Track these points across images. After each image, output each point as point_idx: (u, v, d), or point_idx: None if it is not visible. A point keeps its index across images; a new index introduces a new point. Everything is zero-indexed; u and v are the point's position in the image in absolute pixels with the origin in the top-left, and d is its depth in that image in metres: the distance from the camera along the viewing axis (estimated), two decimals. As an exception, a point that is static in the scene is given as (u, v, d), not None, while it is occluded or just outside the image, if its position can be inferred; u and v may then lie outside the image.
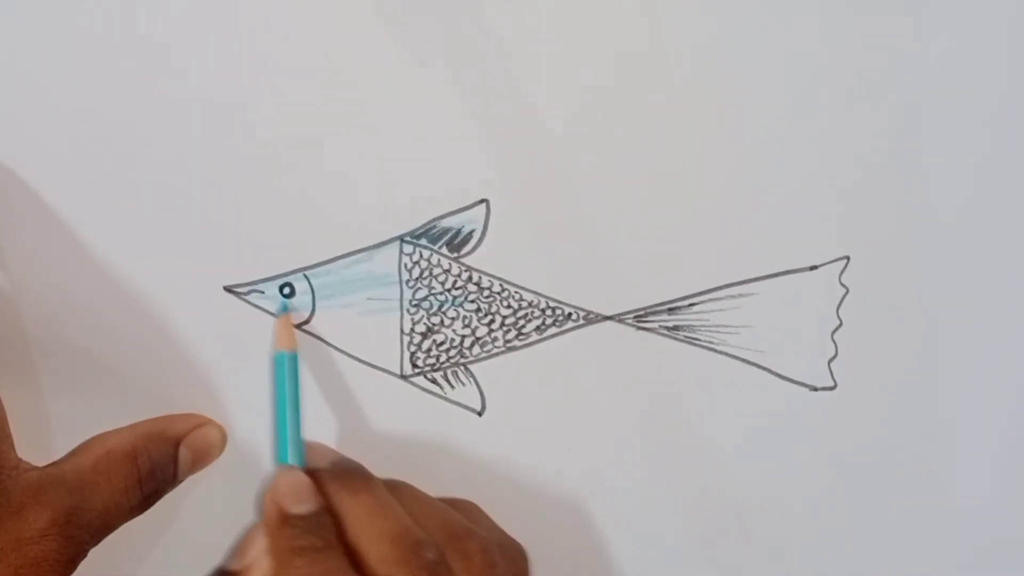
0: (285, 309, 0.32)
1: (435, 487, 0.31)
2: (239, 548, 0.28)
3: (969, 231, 0.32)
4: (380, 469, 0.32)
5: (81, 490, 0.28)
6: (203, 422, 0.32)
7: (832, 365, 0.33)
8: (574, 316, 0.33)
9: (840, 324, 0.33)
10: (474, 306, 0.32)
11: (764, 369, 0.33)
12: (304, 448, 0.30)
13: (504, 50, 0.30)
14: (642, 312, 0.33)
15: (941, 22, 0.30)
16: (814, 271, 0.32)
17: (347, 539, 0.27)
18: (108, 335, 0.32)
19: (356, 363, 0.33)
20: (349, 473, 0.29)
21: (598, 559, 0.35)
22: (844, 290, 0.33)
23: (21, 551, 0.26)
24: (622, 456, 0.34)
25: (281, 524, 0.27)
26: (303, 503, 0.27)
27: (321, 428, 0.33)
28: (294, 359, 0.31)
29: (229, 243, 0.31)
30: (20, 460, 0.28)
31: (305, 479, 0.28)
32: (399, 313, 0.32)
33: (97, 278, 0.31)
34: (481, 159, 0.31)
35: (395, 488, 0.29)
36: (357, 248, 0.32)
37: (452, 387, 0.33)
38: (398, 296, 0.32)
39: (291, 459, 0.29)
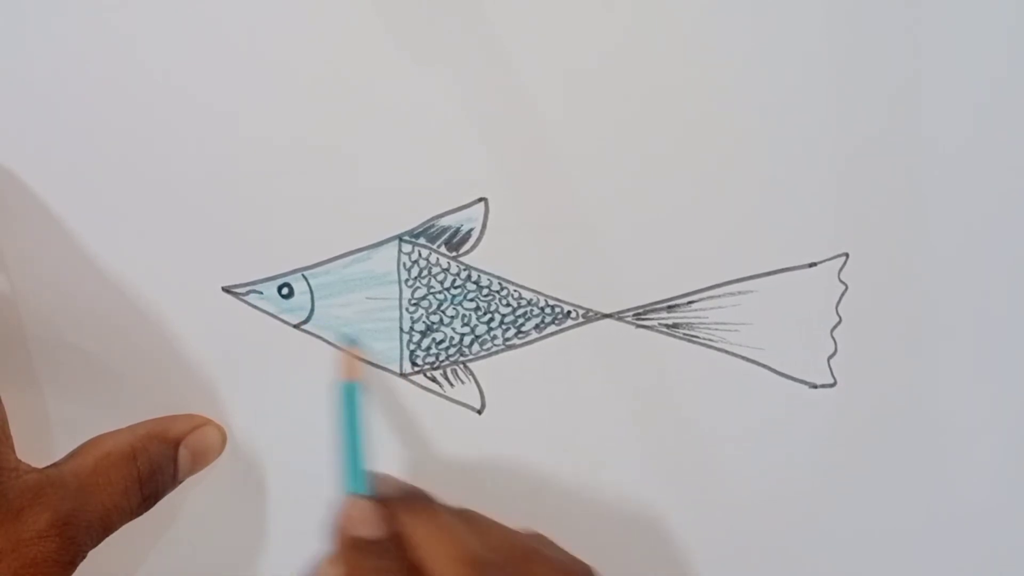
0: (350, 341, 0.32)
1: (435, 486, 0.31)
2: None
3: (968, 228, 0.32)
4: (379, 468, 0.32)
5: (81, 492, 0.28)
6: (203, 422, 0.33)
7: (831, 362, 0.33)
8: (573, 314, 0.33)
9: (839, 321, 0.33)
10: (473, 304, 0.32)
11: (763, 366, 0.33)
12: (370, 477, 0.30)
13: (502, 49, 0.30)
14: (641, 310, 0.33)
15: (938, 17, 0.30)
16: (813, 268, 0.32)
17: (416, 562, 0.28)
18: (108, 336, 0.32)
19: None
20: (415, 499, 0.30)
21: (598, 556, 0.35)
22: (843, 287, 0.32)
23: (20, 552, 0.26)
24: (621, 453, 0.34)
25: (354, 549, 0.28)
26: (373, 528, 0.28)
27: (322, 428, 0.33)
28: (359, 390, 0.31)
29: (227, 244, 0.32)
30: (20, 462, 0.28)
31: (373, 506, 0.29)
32: (398, 312, 0.32)
33: (97, 279, 0.32)
34: (479, 157, 0.31)
35: (462, 513, 0.30)
36: (356, 248, 0.32)
37: (452, 385, 0.33)
38: (397, 295, 0.32)
39: (359, 487, 0.30)
